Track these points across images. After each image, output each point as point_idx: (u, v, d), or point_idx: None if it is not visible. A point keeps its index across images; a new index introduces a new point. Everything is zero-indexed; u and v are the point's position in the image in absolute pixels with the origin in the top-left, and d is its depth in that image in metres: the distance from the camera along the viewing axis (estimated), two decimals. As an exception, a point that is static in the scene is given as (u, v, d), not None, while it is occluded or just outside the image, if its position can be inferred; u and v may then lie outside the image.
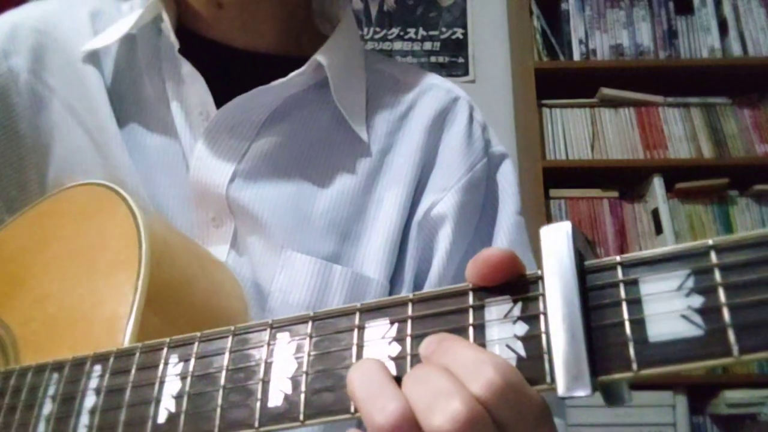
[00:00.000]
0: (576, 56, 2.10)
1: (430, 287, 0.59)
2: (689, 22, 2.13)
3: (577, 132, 2.08)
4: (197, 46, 0.61)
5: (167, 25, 0.60)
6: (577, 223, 2.01)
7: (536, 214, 1.93)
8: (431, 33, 2.31)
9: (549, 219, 2.00)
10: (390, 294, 0.58)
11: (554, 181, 2.00)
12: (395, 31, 2.32)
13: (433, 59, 2.28)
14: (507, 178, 0.65)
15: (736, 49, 2.08)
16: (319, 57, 0.60)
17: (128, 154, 0.58)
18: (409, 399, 0.28)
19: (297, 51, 0.64)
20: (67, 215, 0.54)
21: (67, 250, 0.52)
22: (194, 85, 0.59)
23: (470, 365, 0.27)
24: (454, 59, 2.28)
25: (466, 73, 2.24)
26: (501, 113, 2.17)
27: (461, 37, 2.30)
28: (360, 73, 0.65)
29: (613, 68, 2.08)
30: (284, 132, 0.60)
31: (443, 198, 0.60)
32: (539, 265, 0.29)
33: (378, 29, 2.32)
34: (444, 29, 2.31)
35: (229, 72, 0.62)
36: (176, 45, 0.59)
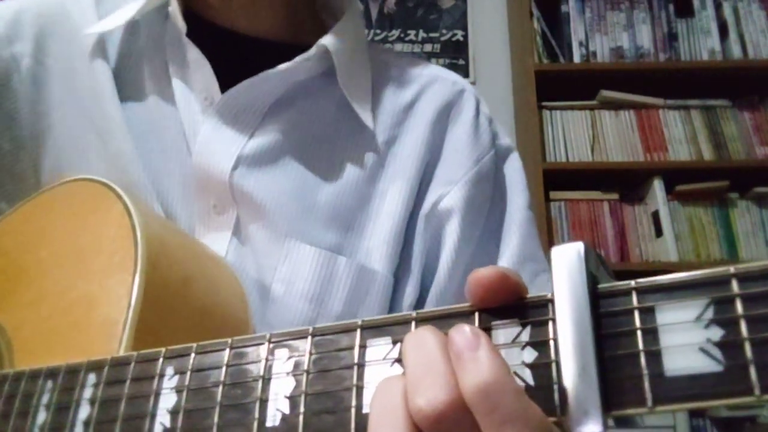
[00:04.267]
0: (576, 58, 2.10)
1: (438, 283, 0.58)
2: (689, 24, 2.13)
3: (577, 134, 2.07)
4: (202, 31, 0.60)
5: (175, 9, 0.59)
6: (577, 226, 2.00)
7: (536, 216, 1.93)
8: (431, 35, 2.31)
9: (549, 221, 2.00)
10: (395, 287, 0.57)
11: (554, 183, 1.99)
12: (395, 33, 2.31)
13: (433, 61, 2.27)
14: (515, 170, 0.64)
15: (736, 52, 2.08)
16: (325, 41, 0.59)
17: (131, 140, 0.57)
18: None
19: (302, 39, 0.63)
20: (62, 213, 0.52)
21: (63, 250, 0.50)
22: (200, 70, 0.58)
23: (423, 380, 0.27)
24: (454, 61, 2.27)
25: (466, 75, 2.24)
26: (501, 115, 2.16)
27: (461, 39, 2.30)
28: (365, 63, 0.64)
29: (614, 70, 2.08)
30: (289, 120, 0.59)
31: (450, 191, 0.59)
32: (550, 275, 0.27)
33: (378, 31, 2.31)
34: (444, 31, 2.31)
35: (234, 57, 0.61)
36: (184, 29, 0.58)
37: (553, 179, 1.98)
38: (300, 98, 0.60)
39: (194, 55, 0.58)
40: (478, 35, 2.30)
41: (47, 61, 0.60)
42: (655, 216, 1.99)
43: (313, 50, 0.59)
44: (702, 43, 2.10)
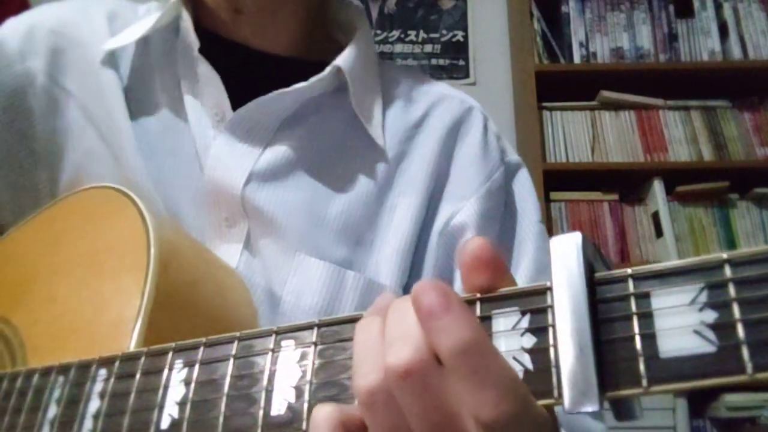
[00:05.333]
0: (576, 59, 2.10)
1: None
2: (689, 25, 2.14)
3: (577, 135, 2.08)
4: (214, 46, 0.61)
5: (187, 24, 0.60)
6: (577, 226, 2.01)
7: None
8: (432, 36, 2.31)
9: (549, 222, 2.00)
10: None
11: (554, 183, 2.00)
12: (396, 33, 2.32)
13: (433, 62, 2.28)
14: (524, 186, 0.65)
15: (736, 53, 2.08)
16: (339, 62, 0.60)
17: (142, 155, 0.58)
18: None
19: (313, 55, 0.64)
20: (77, 218, 0.54)
21: (76, 253, 0.51)
22: (211, 85, 0.59)
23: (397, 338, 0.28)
24: (454, 62, 2.28)
25: (466, 75, 2.24)
26: (501, 116, 2.16)
27: (462, 39, 2.30)
28: (375, 81, 0.65)
29: (614, 71, 2.08)
30: (300, 136, 0.60)
31: (463, 207, 0.60)
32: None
33: (379, 32, 2.31)
34: (444, 32, 2.31)
35: (245, 73, 0.61)
36: (196, 44, 0.59)
37: (553, 180, 1.98)
38: (311, 114, 0.61)
39: (205, 70, 0.59)
40: (478, 36, 2.31)
41: (61, 79, 0.61)
42: (655, 216, 1.99)
43: (327, 70, 0.59)
44: (702, 44, 2.11)
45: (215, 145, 0.58)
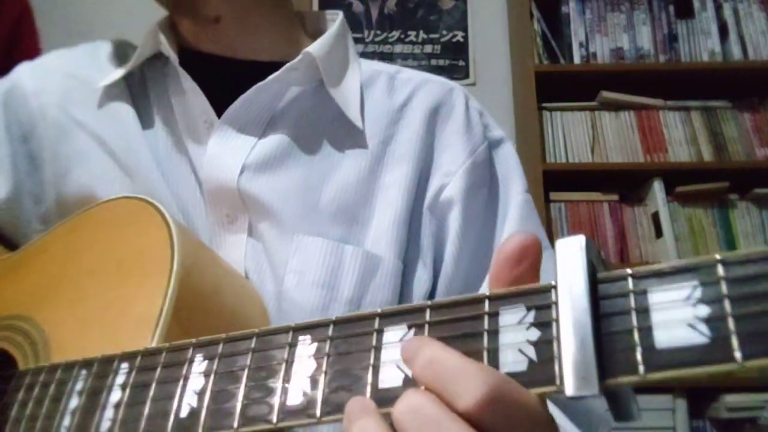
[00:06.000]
0: (576, 59, 2.11)
1: (445, 268, 0.62)
2: (690, 25, 2.15)
3: (577, 135, 2.09)
4: (198, 61, 0.66)
5: (165, 43, 0.64)
6: (577, 227, 2.02)
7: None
8: (432, 36, 2.32)
9: (549, 222, 2.01)
10: (407, 275, 0.61)
11: (554, 184, 2.01)
12: (396, 34, 2.33)
13: (433, 62, 2.29)
14: (509, 158, 0.68)
15: (736, 53, 2.09)
16: (310, 49, 0.63)
17: (159, 169, 0.61)
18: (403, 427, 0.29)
19: (293, 57, 0.66)
20: (103, 225, 0.56)
21: (102, 258, 0.53)
22: (195, 97, 0.63)
23: (456, 379, 0.28)
24: (454, 62, 2.29)
25: (466, 76, 2.25)
26: (501, 116, 2.18)
27: (462, 40, 2.31)
28: (354, 69, 0.68)
29: (614, 71, 2.09)
30: (289, 129, 0.63)
31: (449, 182, 0.63)
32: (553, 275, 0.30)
33: (379, 32, 2.33)
34: (444, 32, 2.33)
35: (230, 82, 0.65)
36: (175, 58, 0.63)
37: (553, 180, 1.99)
38: (296, 110, 0.64)
39: (188, 84, 0.63)
40: (478, 36, 2.32)
41: (71, 110, 0.65)
42: (655, 217, 2.00)
43: (299, 57, 0.63)
44: (702, 44, 2.12)
45: (208, 147, 0.61)
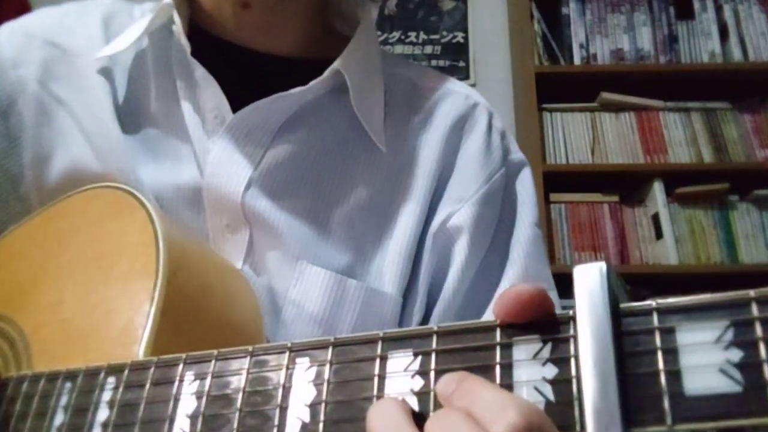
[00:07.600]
0: (576, 60, 2.10)
1: (444, 299, 0.58)
2: (690, 27, 2.13)
3: (577, 136, 2.08)
4: (212, 48, 0.61)
5: (179, 28, 0.59)
6: (577, 228, 2.01)
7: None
8: (432, 37, 2.31)
9: (549, 223, 2.00)
10: (403, 308, 0.58)
11: (554, 185, 2.00)
12: (396, 34, 2.32)
13: (433, 63, 2.28)
14: (525, 187, 0.64)
15: (736, 54, 2.08)
16: (338, 65, 0.59)
17: (135, 160, 0.57)
18: None
19: (316, 53, 0.63)
20: (84, 217, 0.53)
21: (83, 254, 0.51)
22: (208, 88, 0.58)
23: (492, 408, 0.26)
24: (454, 63, 2.27)
25: (466, 77, 2.24)
26: (501, 117, 2.14)
27: (462, 41, 2.30)
28: (378, 79, 0.64)
29: (614, 73, 2.08)
30: (300, 139, 0.59)
31: (460, 209, 0.59)
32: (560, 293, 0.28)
33: (379, 33, 2.31)
34: (445, 33, 2.31)
35: (246, 75, 0.61)
36: (188, 48, 0.59)
37: (553, 181, 1.98)
38: (311, 116, 0.60)
39: (201, 73, 0.58)
40: (478, 37, 2.31)
41: (53, 87, 0.60)
42: (655, 218, 1.99)
43: (326, 74, 0.59)
44: (702, 46, 2.11)
45: (214, 149, 0.57)
